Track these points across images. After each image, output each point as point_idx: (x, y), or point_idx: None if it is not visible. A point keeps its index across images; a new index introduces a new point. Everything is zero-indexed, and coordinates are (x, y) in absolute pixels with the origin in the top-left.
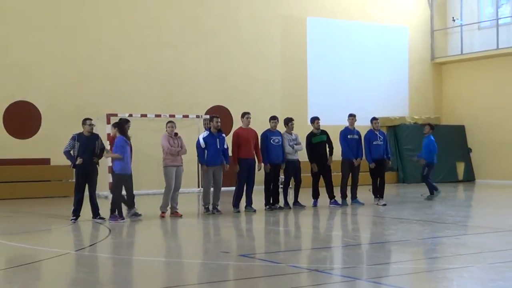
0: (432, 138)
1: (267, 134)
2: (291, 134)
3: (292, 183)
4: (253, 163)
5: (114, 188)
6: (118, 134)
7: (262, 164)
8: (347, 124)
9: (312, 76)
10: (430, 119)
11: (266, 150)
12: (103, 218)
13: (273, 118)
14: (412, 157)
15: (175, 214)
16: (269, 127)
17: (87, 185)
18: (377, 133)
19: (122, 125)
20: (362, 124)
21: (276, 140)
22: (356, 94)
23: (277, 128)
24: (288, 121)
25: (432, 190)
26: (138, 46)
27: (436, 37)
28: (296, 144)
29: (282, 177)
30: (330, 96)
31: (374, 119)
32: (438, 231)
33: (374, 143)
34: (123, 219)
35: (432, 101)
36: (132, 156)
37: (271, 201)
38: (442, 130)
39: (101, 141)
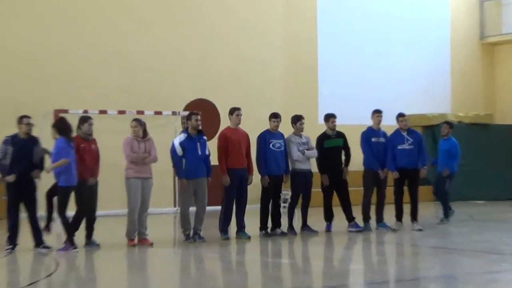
0: (455, 140)
1: (265, 137)
2: (300, 136)
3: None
4: (246, 175)
5: (60, 207)
6: (58, 136)
7: (253, 176)
8: (370, 123)
9: (324, 60)
10: (479, 117)
11: (265, 158)
12: (48, 247)
13: (275, 116)
14: (432, 164)
15: (143, 241)
16: (267, 127)
17: (24, 205)
18: (404, 134)
19: (61, 124)
20: (390, 124)
21: (278, 145)
22: (382, 85)
23: (279, 129)
24: (297, 120)
25: (448, 210)
26: (95, 22)
27: (487, 10)
28: (307, 149)
29: (285, 192)
30: (348, 86)
31: (400, 116)
32: (492, 264)
33: (399, 147)
34: (76, 248)
35: (482, 92)
36: (99, 165)
37: (269, 225)
38: (494, 131)
39: (42, 147)
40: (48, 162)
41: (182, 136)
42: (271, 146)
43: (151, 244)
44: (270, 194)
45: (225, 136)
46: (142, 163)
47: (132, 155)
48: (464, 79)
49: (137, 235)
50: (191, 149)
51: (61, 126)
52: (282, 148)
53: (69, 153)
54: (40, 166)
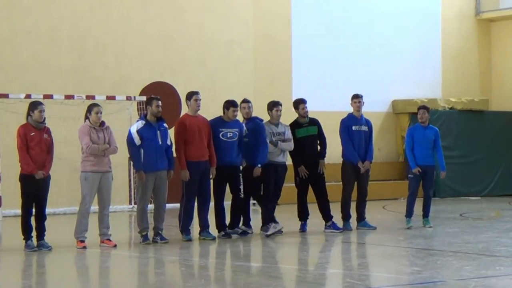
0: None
1: (215, 125)
2: (277, 125)
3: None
4: (208, 168)
5: None
6: None
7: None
8: (351, 109)
9: (298, 39)
10: (473, 103)
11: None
12: None
13: (233, 105)
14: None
15: (106, 242)
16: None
17: None
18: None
19: None
20: (373, 110)
21: (230, 135)
22: (364, 66)
23: (237, 117)
24: (273, 106)
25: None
26: None
27: None
28: (283, 141)
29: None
30: (326, 68)
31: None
32: (485, 268)
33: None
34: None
35: (477, 75)
36: (53, 157)
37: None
38: (490, 118)
39: None
40: None
41: (140, 124)
42: (220, 136)
43: (115, 246)
44: (223, 188)
45: (183, 124)
46: (101, 155)
47: (93, 147)
48: (457, 60)
49: (99, 236)
50: (150, 138)
51: None
52: (235, 138)
53: None
54: None
